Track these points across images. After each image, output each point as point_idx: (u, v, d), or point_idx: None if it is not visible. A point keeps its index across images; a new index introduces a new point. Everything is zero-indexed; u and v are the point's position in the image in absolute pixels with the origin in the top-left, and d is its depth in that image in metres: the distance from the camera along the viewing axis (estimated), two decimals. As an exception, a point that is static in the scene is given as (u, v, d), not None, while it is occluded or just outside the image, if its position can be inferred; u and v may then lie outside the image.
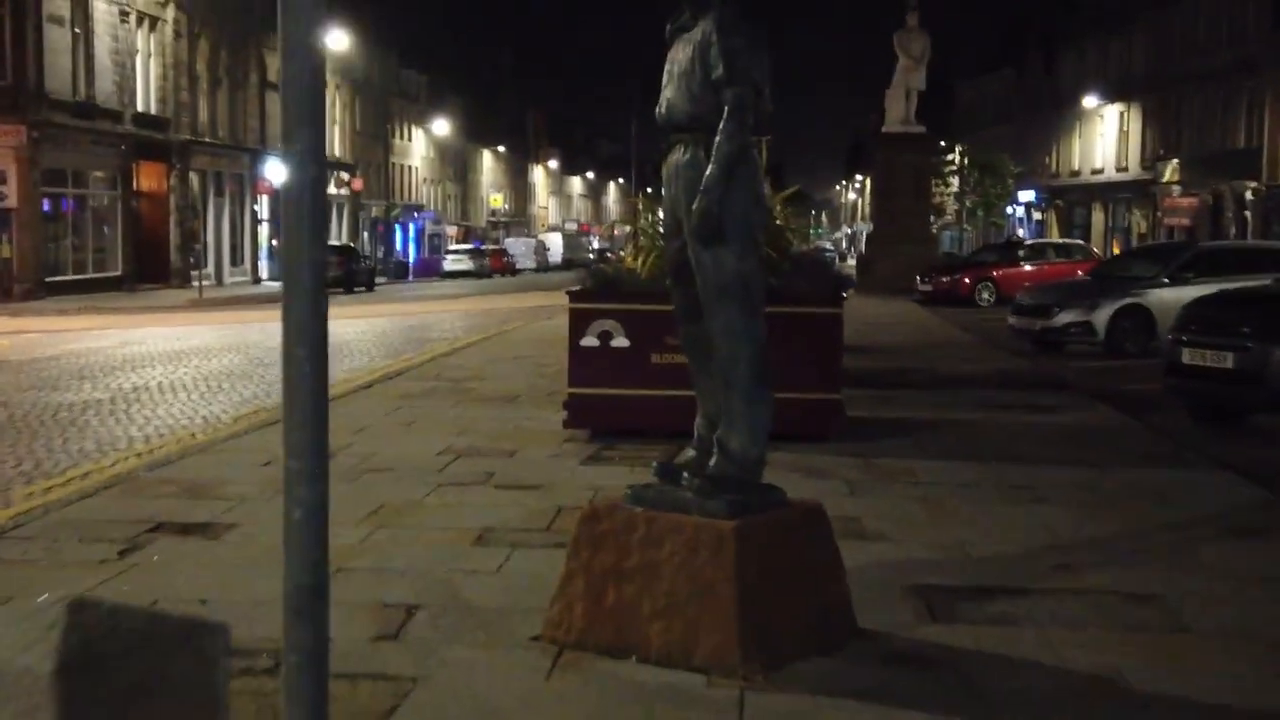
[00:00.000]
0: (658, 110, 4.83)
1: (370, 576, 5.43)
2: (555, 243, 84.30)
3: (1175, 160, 54.85)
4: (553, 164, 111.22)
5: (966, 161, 61.06)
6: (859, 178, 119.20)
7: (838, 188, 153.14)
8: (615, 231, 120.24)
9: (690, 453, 4.81)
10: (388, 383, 12.62)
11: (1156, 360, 16.40)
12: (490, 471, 7.80)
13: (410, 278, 61.25)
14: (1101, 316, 17.23)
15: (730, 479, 4.54)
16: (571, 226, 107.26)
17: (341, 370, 14.77)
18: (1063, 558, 5.88)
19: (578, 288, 9.32)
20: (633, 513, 4.57)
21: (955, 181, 60.45)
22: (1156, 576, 5.57)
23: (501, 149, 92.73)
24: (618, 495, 4.78)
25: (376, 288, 46.37)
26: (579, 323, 9.05)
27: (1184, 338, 10.34)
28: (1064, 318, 17.55)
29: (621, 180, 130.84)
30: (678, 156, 4.73)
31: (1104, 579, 5.51)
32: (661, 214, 5.03)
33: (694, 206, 4.55)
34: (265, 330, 22.60)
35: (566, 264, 77.71)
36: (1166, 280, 17.35)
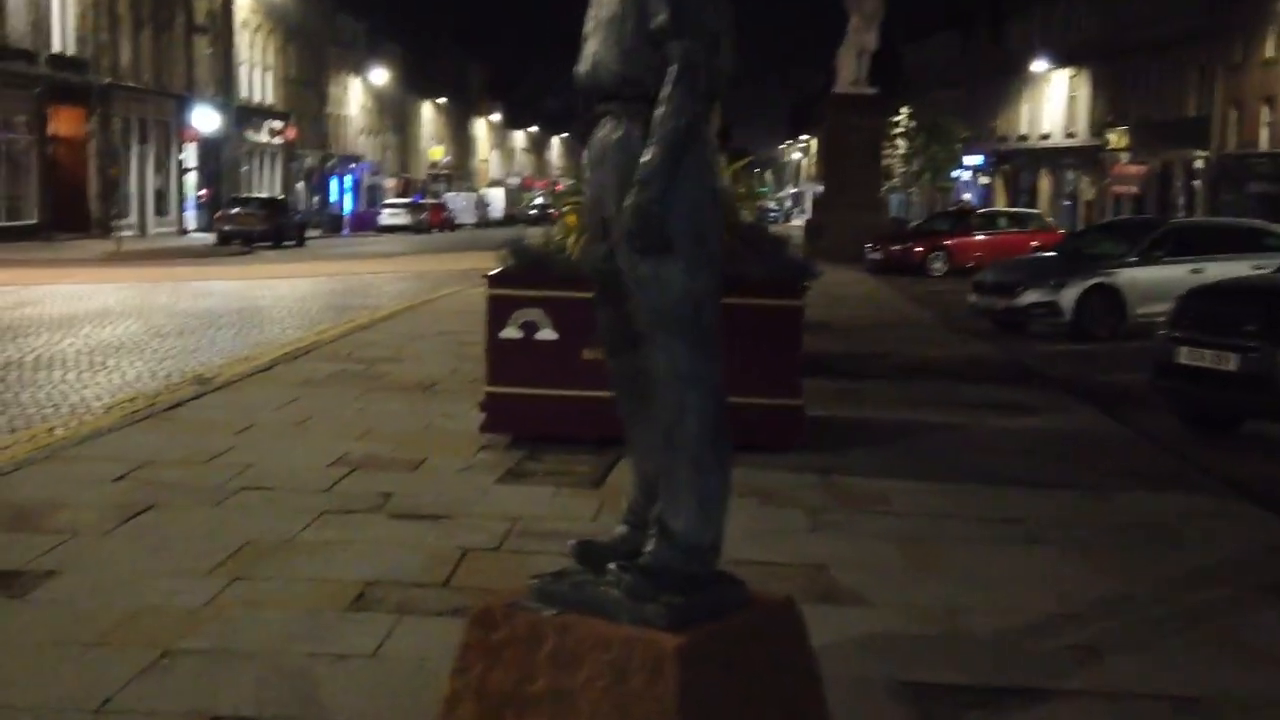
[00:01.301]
0: (577, 69, 3.62)
1: (204, 666, 4.19)
2: (497, 198, 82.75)
3: (1124, 128, 54.22)
4: (495, 117, 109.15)
5: (914, 124, 60.12)
6: (804, 137, 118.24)
7: (782, 146, 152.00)
8: (558, 186, 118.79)
9: (621, 530, 3.61)
10: (292, 363, 11.31)
11: (1126, 344, 15.58)
12: (387, 492, 6.56)
13: (345, 231, 59.48)
14: (1068, 297, 16.21)
15: (673, 572, 3.36)
16: (514, 181, 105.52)
17: (246, 345, 13.43)
18: (1079, 633, 4.77)
19: (497, 269, 8.06)
20: (539, 617, 3.37)
21: (902, 144, 59.51)
22: (1200, 666, 4.47)
23: (443, 101, 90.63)
24: (521, 587, 3.57)
25: (308, 242, 44.62)
26: (499, 311, 7.82)
27: (1179, 335, 9.26)
28: (1029, 297, 16.50)
29: (566, 135, 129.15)
30: (604, 133, 3.53)
31: (1135, 669, 4.40)
32: (586, 208, 3.73)
33: (626, 203, 3.35)
34: (176, 291, 21.15)
35: (508, 219, 76.21)
36: (1136, 259, 16.37)
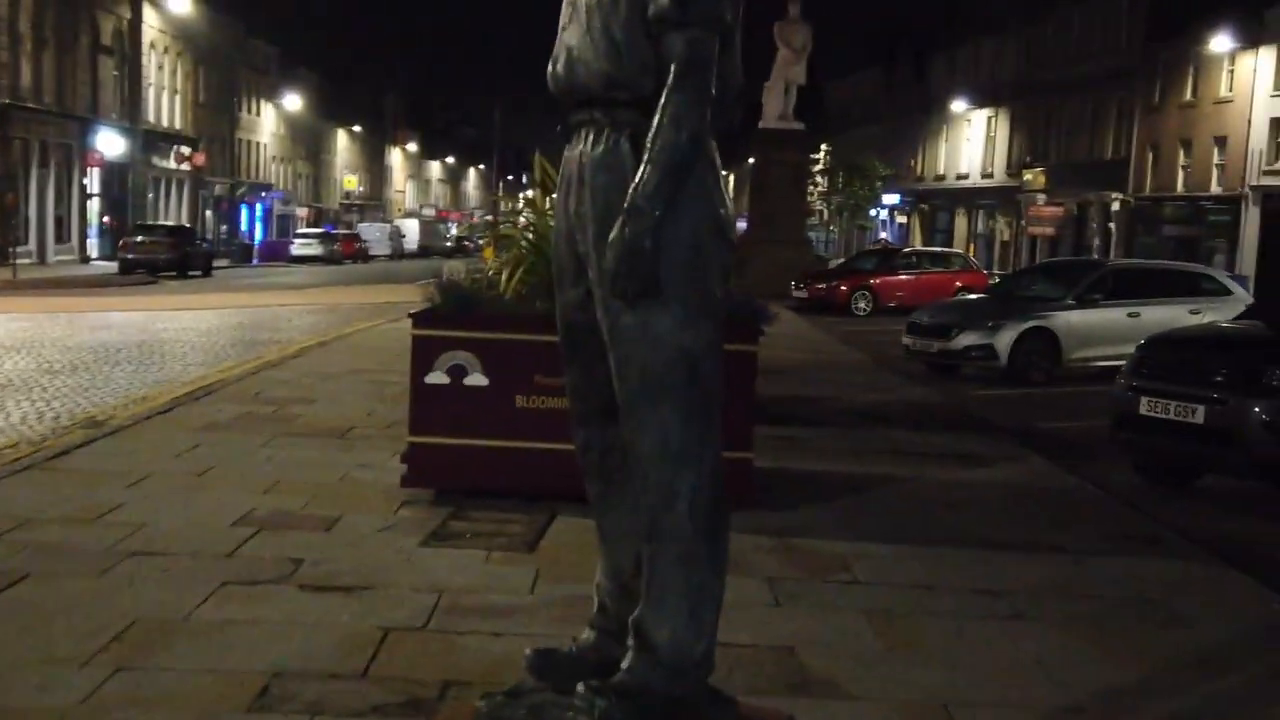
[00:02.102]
0: (551, 69, 3.01)
1: (71, 793, 3.47)
2: (412, 229, 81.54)
3: (1041, 168, 54.77)
4: (411, 147, 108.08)
5: (834, 162, 60.29)
6: (722, 171, 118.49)
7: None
8: (474, 219, 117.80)
9: (588, 636, 2.98)
10: (193, 405, 10.48)
11: (1063, 389, 15.23)
12: (298, 558, 5.84)
13: (255, 261, 58.08)
14: (1004, 340, 15.85)
15: (655, 695, 2.74)
16: (429, 212, 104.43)
17: (144, 383, 12.57)
18: (1091, 733, 4.20)
19: (422, 307, 7.38)
20: (490, 754, 2.72)
21: (823, 181, 59.61)
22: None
23: (358, 129, 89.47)
24: (467, 707, 2.91)
25: (215, 272, 43.34)
26: (424, 354, 7.13)
27: (1140, 384, 8.82)
28: (964, 340, 16.11)
29: (483, 166, 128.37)
30: (583, 149, 2.94)
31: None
32: (554, 243, 3.05)
33: (612, 237, 2.74)
34: (73, 323, 20.12)
35: (423, 251, 75.23)
36: (1073, 301, 16.07)
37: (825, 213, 61.19)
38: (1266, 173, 46.37)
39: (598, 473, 3.01)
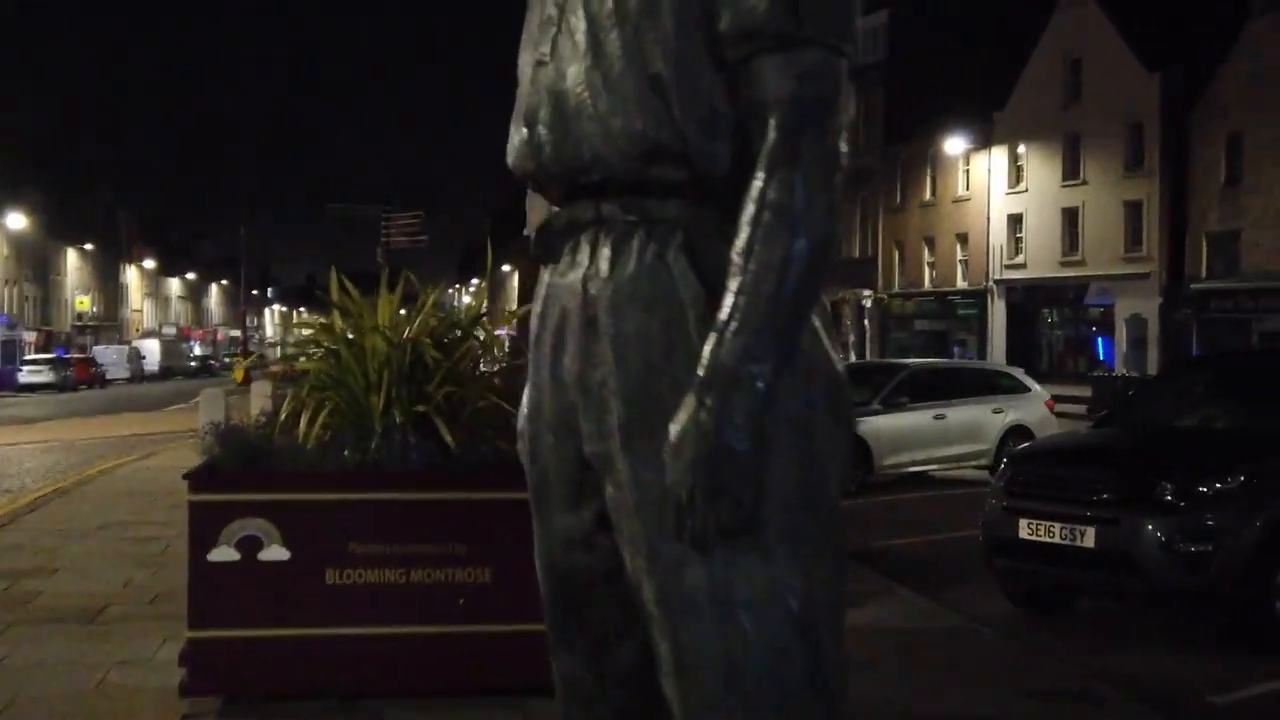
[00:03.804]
0: (523, 135, 1.86)
1: None
2: (152, 349, 77.49)
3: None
4: (148, 264, 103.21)
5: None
6: (475, 281, 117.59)
7: (451, 291, 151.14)
8: (218, 336, 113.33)
9: None
10: (-101, 586, 8.55)
11: (878, 499, 14.52)
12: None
13: (-23, 392, 53.62)
14: (814, 449, 15.07)
15: None
16: (170, 331, 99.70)
17: None
18: None
19: (200, 464, 5.92)
20: None
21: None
22: None
23: (89, 247, 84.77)
24: None
25: (-70, 406, 39.53)
26: (206, 525, 5.65)
27: (1014, 505, 8.00)
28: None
29: (225, 282, 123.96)
30: (590, 268, 1.83)
31: None
32: (530, 430, 1.72)
33: (676, 431, 1.56)
34: None
35: (165, 372, 71.48)
36: (879, 406, 15.47)
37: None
38: (1008, 266, 48.35)
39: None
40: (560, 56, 1.81)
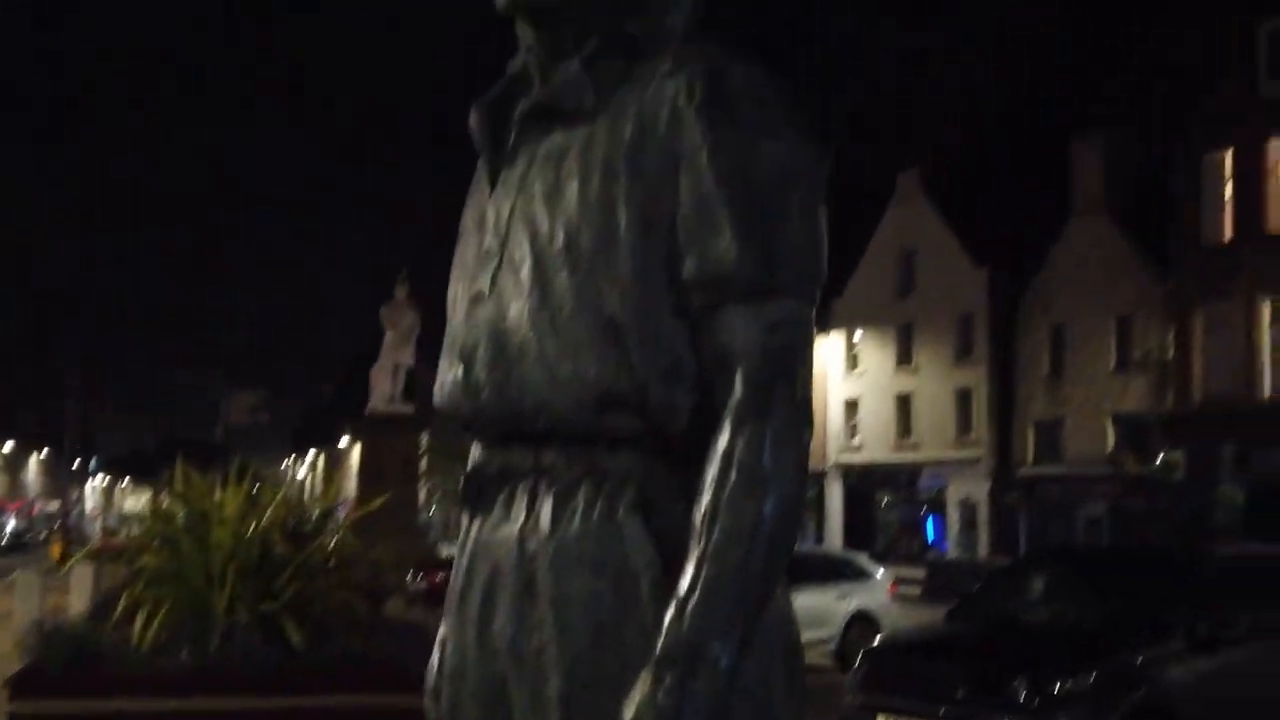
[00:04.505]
0: (457, 376, 1.75)
1: None
2: (-38, 522, 73.43)
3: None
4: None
5: (434, 444, 59.47)
6: (312, 451, 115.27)
7: (285, 464, 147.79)
8: (35, 510, 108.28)
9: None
10: None
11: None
12: None
13: None
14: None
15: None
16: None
17: None
18: None
19: (22, 668, 5.49)
20: None
21: (423, 463, 58.49)
22: None
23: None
24: None
25: None
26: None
27: (871, 701, 7.92)
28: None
29: (48, 450, 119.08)
30: (527, 522, 1.68)
31: None
32: (430, 681, 1.58)
33: (630, 714, 1.43)
34: None
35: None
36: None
37: (426, 499, 59.93)
38: (845, 450, 49.29)
39: None
40: (502, 292, 1.70)
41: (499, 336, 1.66)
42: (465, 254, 1.80)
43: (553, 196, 1.68)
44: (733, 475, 1.54)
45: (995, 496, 43.39)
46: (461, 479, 1.76)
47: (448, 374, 1.72)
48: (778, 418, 1.56)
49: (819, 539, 46.55)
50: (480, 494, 1.72)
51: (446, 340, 1.74)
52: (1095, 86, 48.19)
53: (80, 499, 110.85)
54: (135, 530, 6.65)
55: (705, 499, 1.54)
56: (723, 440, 1.55)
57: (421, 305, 32.24)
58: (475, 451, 1.77)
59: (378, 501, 8.23)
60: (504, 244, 1.71)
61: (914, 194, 47.05)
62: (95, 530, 78.62)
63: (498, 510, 1.69)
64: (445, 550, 36.04)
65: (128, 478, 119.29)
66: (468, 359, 1.68)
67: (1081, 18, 56.67)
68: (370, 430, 31.94)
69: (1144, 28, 48.66)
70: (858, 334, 48.93)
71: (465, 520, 1.75)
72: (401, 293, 32.06)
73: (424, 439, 58.48)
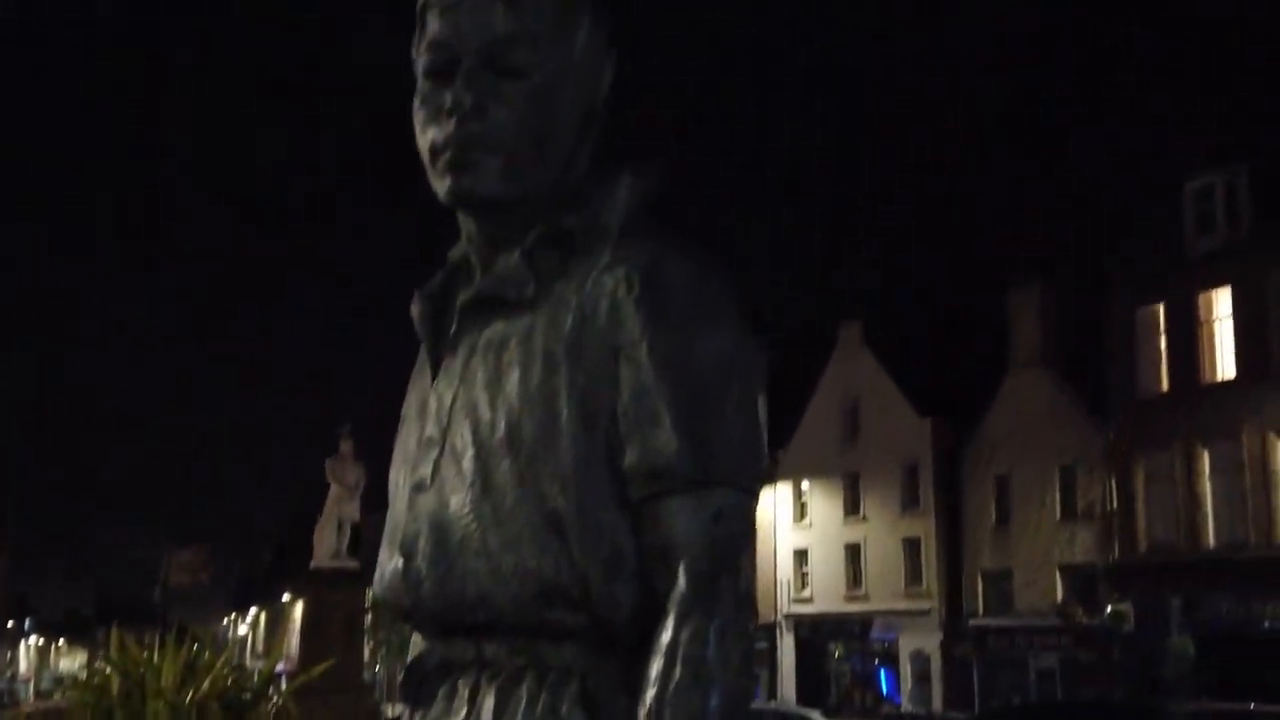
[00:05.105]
0: (396, 569, 1.75)
1: None
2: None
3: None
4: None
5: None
6: (254, 609, 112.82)
7: (226, 621, 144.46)
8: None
9: None
10: None
11: None
12: None
13: None
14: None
15: None
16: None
17: None
18: None
19: None
20: None
21: (368, 619, 57.30)
22: None
23: None
24: None
25: None
26: None
27: None
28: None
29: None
30: (470, 713, 1.68)
31: None
32: None
33: None
34: None
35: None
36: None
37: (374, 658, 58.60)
38: (795, 600, 48.94)
39: None
40: (443, 482, 1.71)
41: (440, 527, 1.67)
42: (407, 441, 1.82)
43: (494, 386, 1.70)
44: (678, 669, 1.53)
45: (947, 648, 43.05)
46: (400, 671, 1.75)
47: (388, 564, 1.73)
48: (722, 611, 1.56)
49: (772, 692, 45.88)
50: (421, 687, 1.71)
51: (387, 528, 1.75)
52: (1029, 239, 49.50)
53: (14, 660, 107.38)
54: (70, 692, 6.47)
55: (650, 694, 1.53)
56: (666, 633, 1.55)
57: (366, 459, 31.96)
58: (415, 642, 1.77)
59: (320, 668, 8.07)
60: (445, 433, 1.73)
61: (856, 345, 47.62)
62: (28, 693, 76.10)
63: (439, 704, 1.68)
64: (389, 710, 35.31)
65: (62, 639, 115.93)
66: (408, 550, 1.69)
67: (1015, 166, 58.31)
68: (314, 586, 31.29)
69: (1077, 176, 50.14)
70: (805, 484, 48.95)
71: (406, 715, 1.74)
72: (346, 447, 31.71)
73: (369, 594, 57.44)
